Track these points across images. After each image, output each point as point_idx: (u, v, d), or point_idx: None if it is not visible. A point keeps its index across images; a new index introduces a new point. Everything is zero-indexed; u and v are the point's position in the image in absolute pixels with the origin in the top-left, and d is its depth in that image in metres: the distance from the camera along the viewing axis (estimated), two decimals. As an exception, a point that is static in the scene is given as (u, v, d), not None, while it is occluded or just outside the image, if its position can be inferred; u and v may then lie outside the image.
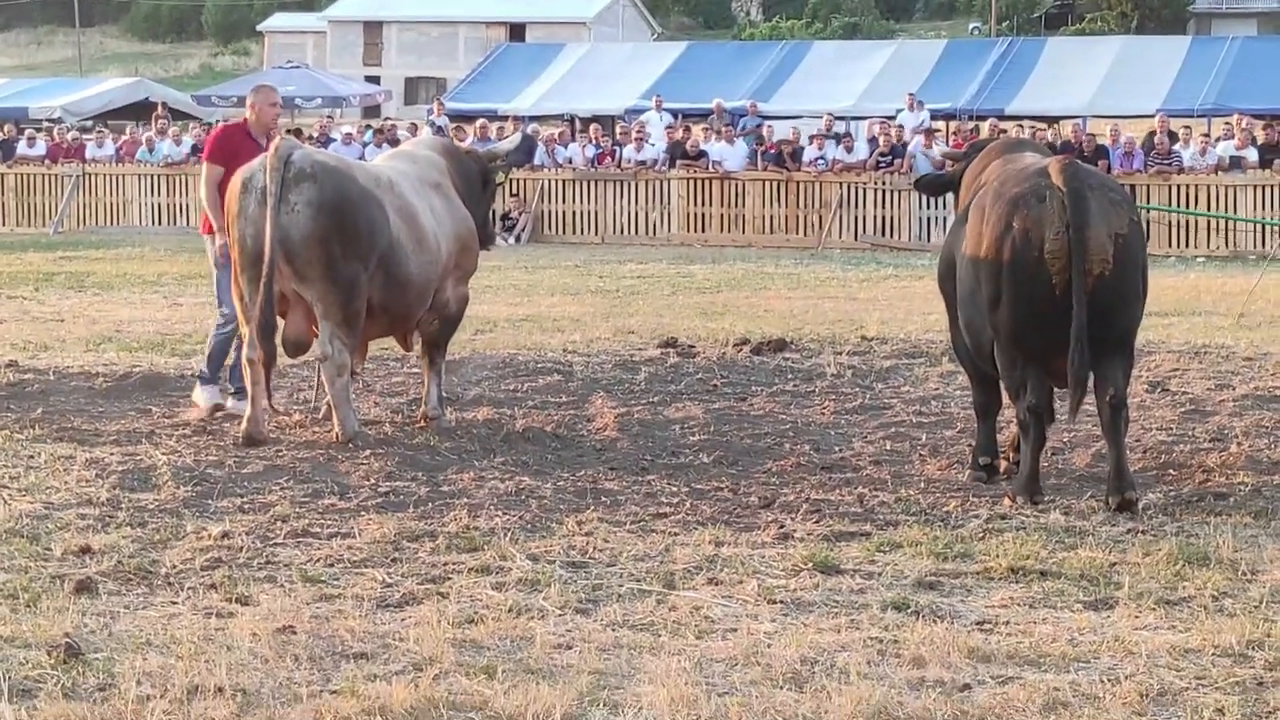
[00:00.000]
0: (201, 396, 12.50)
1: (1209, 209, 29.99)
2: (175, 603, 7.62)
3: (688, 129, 35.04)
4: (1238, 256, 28.94)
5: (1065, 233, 9.50)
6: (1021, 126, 34.63)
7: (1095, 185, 9.74)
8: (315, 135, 35.17)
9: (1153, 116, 33.21)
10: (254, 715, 6.08)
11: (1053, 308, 9.57)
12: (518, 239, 32.67)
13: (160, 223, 35.12)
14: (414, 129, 36.18)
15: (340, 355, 11.29)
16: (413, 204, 11.74)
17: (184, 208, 34.98)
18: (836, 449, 11.58)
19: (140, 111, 46.15)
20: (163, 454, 10.93)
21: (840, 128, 34.43)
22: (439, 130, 35.24)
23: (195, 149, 35.78)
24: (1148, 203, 30.28)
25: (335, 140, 34.83)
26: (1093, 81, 37.44)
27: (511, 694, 6.29)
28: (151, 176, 35.51)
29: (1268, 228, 29.09)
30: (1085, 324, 9.43)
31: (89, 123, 44.90)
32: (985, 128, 32.79)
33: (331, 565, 8.27)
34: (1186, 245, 30.00)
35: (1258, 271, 25.19)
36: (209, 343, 12.85)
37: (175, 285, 23.02)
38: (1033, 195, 9.77)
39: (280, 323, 11.33)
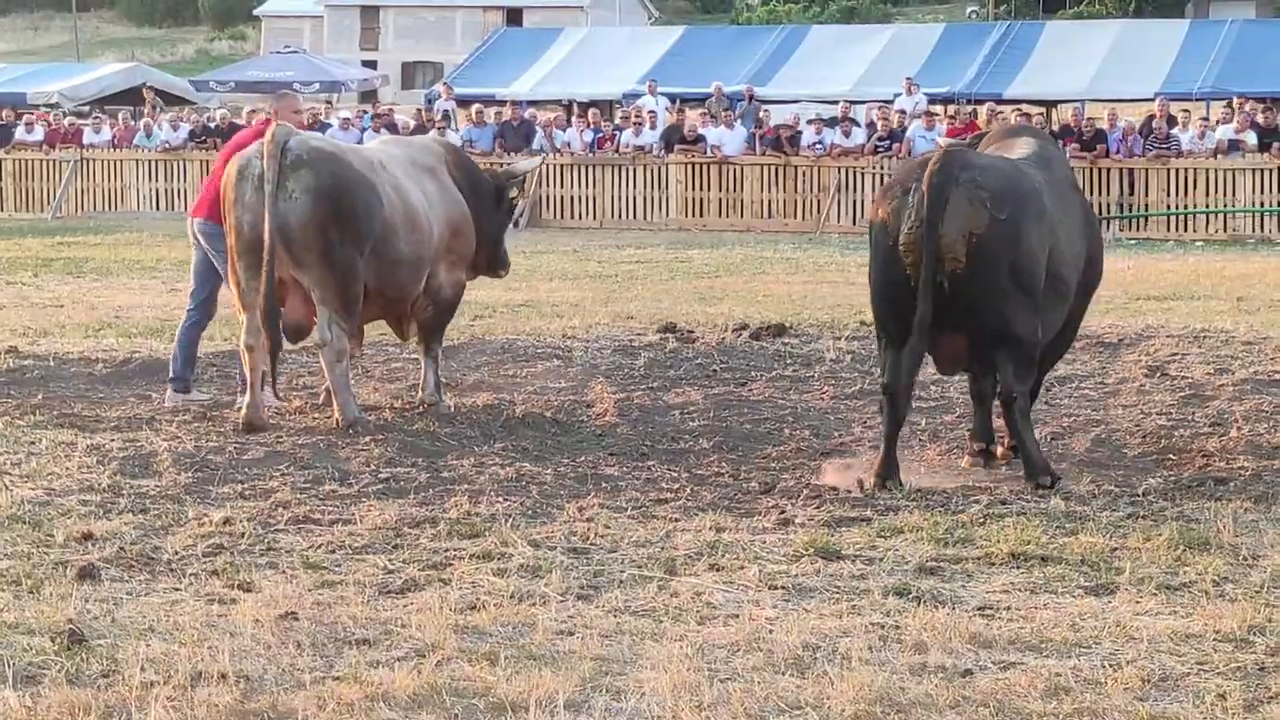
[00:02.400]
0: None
1: (1207, 193, 29.97)
2: (178, 589, 7.63)
3: (682, 112, 34.96)
4: (1236, 241, 28.94)
5: (919, 227, 9.53)
6: (1019, 110, 34.62)
7: (964, 181, 9.65)
8: (308, 121, 35.11)
9: (1151, 100, 33.20)
10: (257, 701, 6.09)
11: (907, 297, 9.64)
12: (515, 224, 32.58)
13: (158, 208, 35.06)
14: (416, 115, 36.16)
15: (339, 340, 11.31)
16: (404, 185, 11.77)
17: (182, 193, 34.89)
18: (836, 434, 11.59)
19: (137, 97, 46.11)
20: (163, 440, 10.93)
21: (838, 111, 34.37)
22: (445, 116, 35.28)
23: (193, 134, 35.79)
24: (1145, 188, 30.29)
25: (332, 125, 34.76)
26: (1091, 65, 37.39)
27: (514, 680, 6.30)
28: (149, 162, 35.47)
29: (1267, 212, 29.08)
30: (927, 317, 9.51)
31: (86, 108, 44.84)
32: (983, 112, 32.79)
33: (333, 551, 8.27)
34: (1185, 230, 29.99)
35: (1257, 255, 25.26)
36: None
37: (174, 270, 22.92)
38: (900, 186, 9.89)
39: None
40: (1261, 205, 29.37)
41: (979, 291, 9.64)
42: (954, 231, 9.54)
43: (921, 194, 9.59)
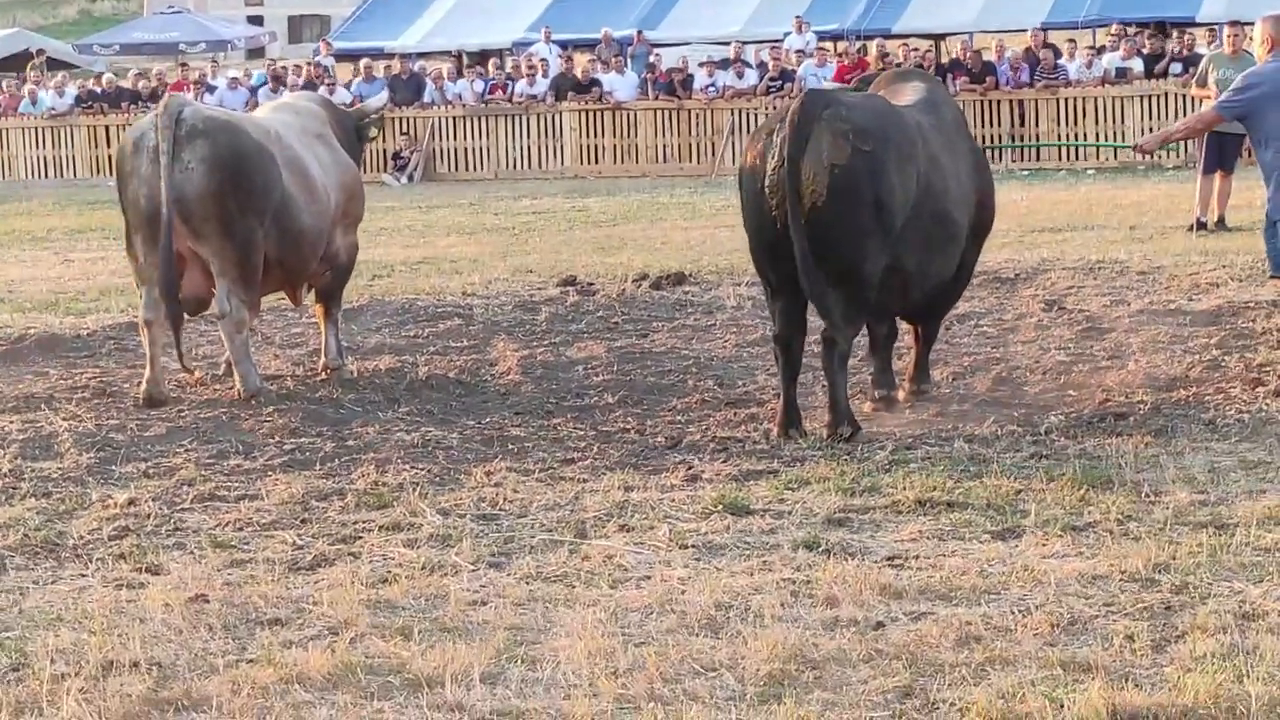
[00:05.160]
0: None
1: (1097, 121, 30.20)
2: (85, 575, 7.55)
3: (571, 60, 34.79)
4: (1126, 168, 29.14)
5: (782, 166, 9.55)
6: (906, 45, 34.68)
7: (827, 117, 9.62)
8: (196, 80, 34.79)
9: (1041, 30, 33.29)
10: (170, 690, 6.03)
11: (777, 239, 9.63)
12: (410, 178, 32.48)
13: (46, 175, 34.68)
14: (298, 70, 35.83)
15: (239, 312, 11.23)
16: (301, 155, 11.70)
17: (70, 160, 34.62)
18: (740, 383, 11.62)
19: (21, 63, 45.49)
20: (63, 419, 10.80)
21: (730, 53, 34.37)
22: (325, 70, 35.00)
23: (79, 100, 35.37)
24: (1035, 119, 30.47)
25: (219, 86, 34.44)
26: (977, -3, 37.47)
27: (429, 654, 6.28)
28: (35, 129, 35.05)
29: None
30: (807, 253, 9.45)
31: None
32: (872, 48, 32.85)
33: (240, 529, 8.21)
34: (1076, 158, 30.21)
35: (1148, 182, 25.46)
36: None
37: (66, 240, 22.75)
38: (765, 130, 9.91)
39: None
40: (1152, 130, 29.54)
41: (835, 226, 9.56)
42: (816, 164, 9.51)
43: (785, 133, 9.61)
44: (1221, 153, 18.85)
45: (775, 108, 30.42)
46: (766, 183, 9.65)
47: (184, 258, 11.21)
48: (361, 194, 12.56)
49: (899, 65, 29.53)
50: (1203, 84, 18.96)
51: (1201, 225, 18.83)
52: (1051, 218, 20.80)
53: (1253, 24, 12.14)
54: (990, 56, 31.87)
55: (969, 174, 10.62)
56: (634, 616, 6.72)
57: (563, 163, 32.67)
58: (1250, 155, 22.07)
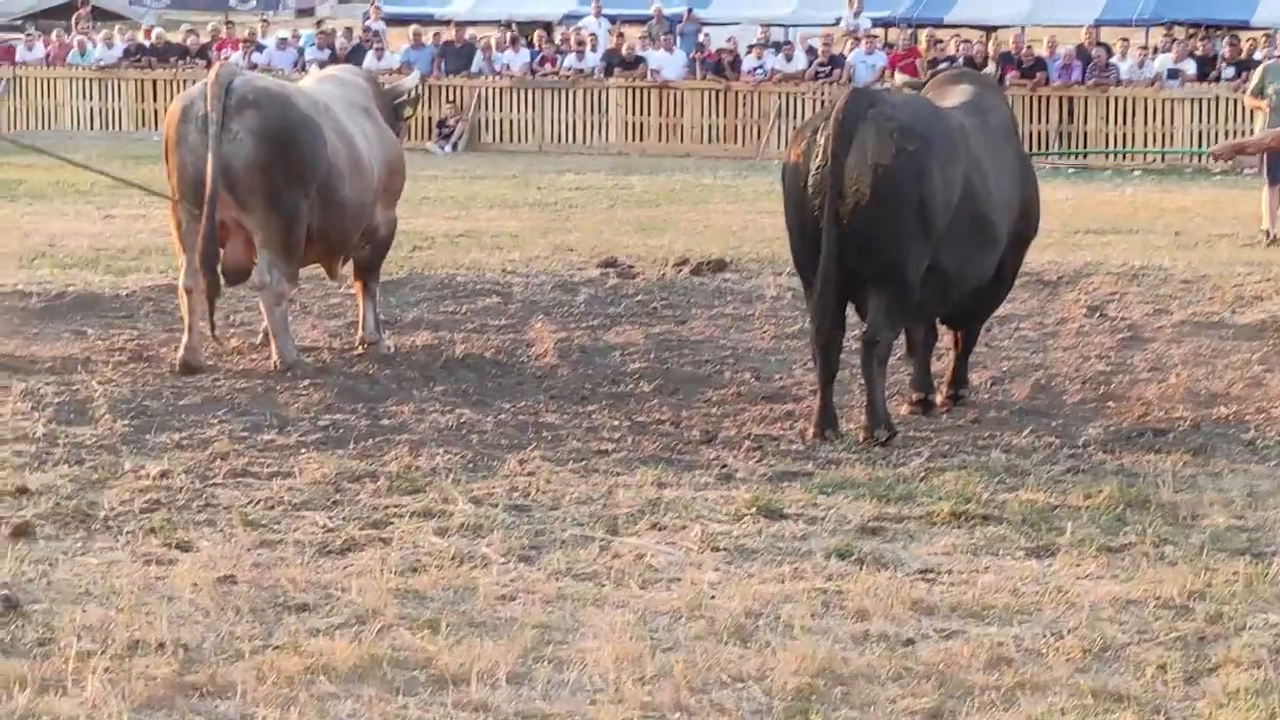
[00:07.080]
0: None
1: (1146, 122, 30.04)
2: (114, 549, 7.51)
3: (622, 35, 34.65)
4: (1173, 170, 28.96)
5: (826, 165, 9.47)
6: (958, 35, 34.47)
7: (872, 116, 9.55)
8: (246, 39, 34.79)
9: (1094, 27, 33.08)
10: (196, 674, 5.99)
11: (819, 238, 9.52)
12: (455, 147, 32.41)
13: (92, 127, 34.68)
14: (347, 33, 35.82)
15: (279, 284, 11.22)
16: (348, 128, 11.68)
17: (116, 112, 34.61)
18: (777, 376, 11.56)
19: (68, 12, 45.47)
20: (99, 383, 10.79)
21: (779, 35, 34.23)
22: (375, 35, 34.97)
23: (127, 53, 35.37)
24: (1084, 116, 30.31)
25: (268, 46, 34.44)
26: (1032, -10, 37.21)
27: (456, 650, 6.23)
28: (83, 80, 35.05)
29: (1202, 142, 29.06)
30: (834, 253, 9.39)
31: (19, 22, 44.25)
32: (923, 37, 32.70)
33: (272, 508, 8.17)
34: (1122, 158, 30.02)
35: (1195, 187, 25.32)
36: None
37: (108, 195, 22.66)
38: (809, 128, 9.85)
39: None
40: (1201, 134, 29.41)
41: (879, 226, 9.47)
42: (860, 164, 9.44)
43: (829, 131, 9.53)
44: (1275, 167, 18.52)
45: (824, 94, 30.34)
46: (810, 181, 9.59)
47: (227, 227, 11.21)
48: (403, 169, 12.56)
49: (951, 58, 29.47)
50: (1259, 94, 18.76)
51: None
52: (1096, 219, 20.67)
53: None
54: (1042, 52, 31.65)
55: (1012, 179, 10.53)
56: (663, 620, 6.67)
57: (607, 139, 32.57)
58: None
